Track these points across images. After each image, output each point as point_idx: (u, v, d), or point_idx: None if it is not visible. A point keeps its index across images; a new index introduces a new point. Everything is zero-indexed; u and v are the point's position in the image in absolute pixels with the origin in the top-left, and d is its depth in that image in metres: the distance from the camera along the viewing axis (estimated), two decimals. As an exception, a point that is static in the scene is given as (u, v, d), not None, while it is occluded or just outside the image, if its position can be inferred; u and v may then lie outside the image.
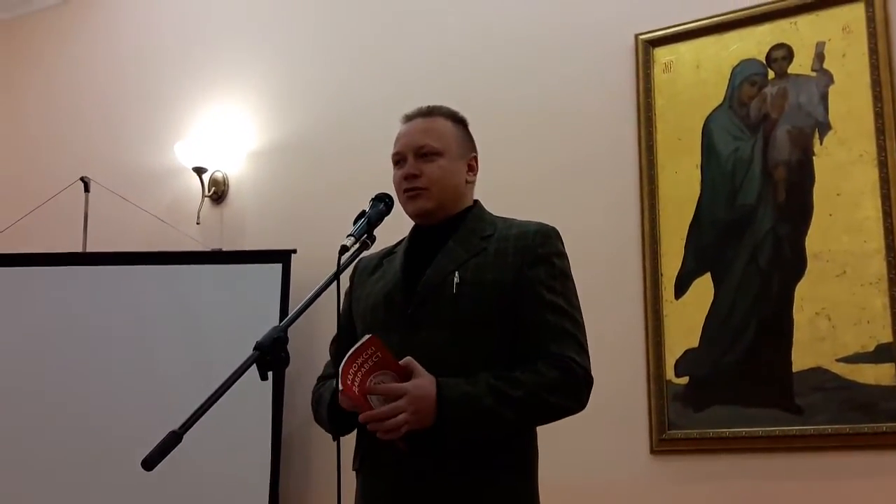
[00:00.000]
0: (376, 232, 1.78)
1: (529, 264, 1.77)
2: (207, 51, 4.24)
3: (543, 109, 3.39)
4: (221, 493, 3.45)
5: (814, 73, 2.98)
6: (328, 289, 1.67)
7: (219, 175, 4.07)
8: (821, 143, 2.93)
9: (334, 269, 1.66)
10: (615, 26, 3.29)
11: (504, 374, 1.69)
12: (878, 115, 2.85)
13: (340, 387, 1.59)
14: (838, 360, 2.79)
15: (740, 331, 2.95)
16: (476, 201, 1.93)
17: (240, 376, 1.48)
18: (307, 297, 1.65)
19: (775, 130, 3.00)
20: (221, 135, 4.08)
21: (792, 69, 3.02)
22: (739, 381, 2.92)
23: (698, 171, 3.10)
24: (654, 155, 3.16)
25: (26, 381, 3.64)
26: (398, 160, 1.88)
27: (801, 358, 2.84)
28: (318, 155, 3.88)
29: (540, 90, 3.41)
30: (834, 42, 2.96)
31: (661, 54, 3.22)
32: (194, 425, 1.43)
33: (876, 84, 2.86)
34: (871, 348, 2.76)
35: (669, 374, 3.02)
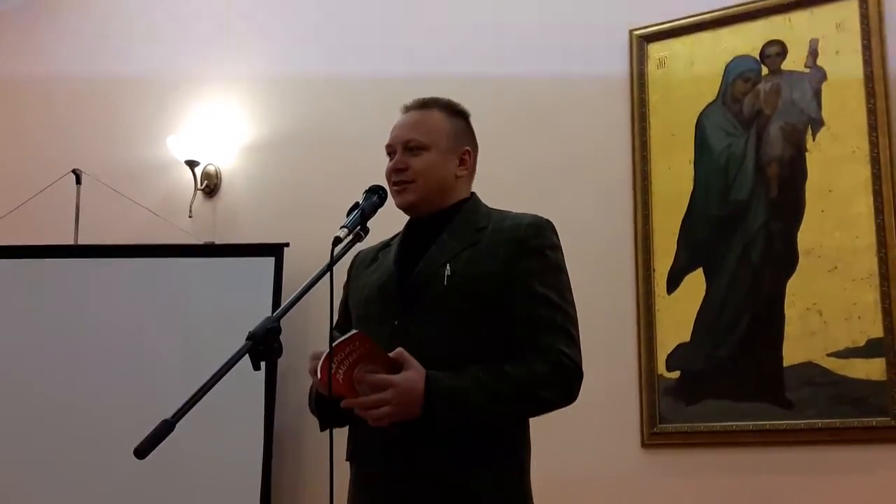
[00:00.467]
0: (371, 224, 1.78)
1: (521, 257, 1.77)
2: (200, 44, 4.22)
3: (537, 104, 3.40)
4: (214, 483, 3.45)
5: (807, 70, 2.99)
6: (321, 284, 1.66)
7: (211, 168, 4.07)
8: (814, 140, 2.94)
9: (327, 262, 1.66)
10: (609, 22, 3.29)
11: (493, 367, 1.69)
12: (871, 112, 2.86)
13: (318, 375, 1.60)
14: (829, 355, 2.81)
15: (732, 326, 2.96)
16: (473, 194, 1.93)
17: (233, 366, 1.48)
18: (300, 288, 1.65)
19: (768, 126, 3.01)
20: (214, 128, 4.07)
21: (785, 65, 3.02)
22: (731, 375, 2.93)
23: (691, 167, 3.10)
24: (647, 150, 3.17)
25: (18, 374, 3.63)
26: (389, 152, 1.89)
27: (792, 353, 2.85)
28: (310, 149, 3.87)
29: (533, 85, 3.41)
30: (827, 39, 2.97)
31: (655, 50, 3.22)
32: (186, 415, 1.42)
33: (869, 80, 2.87)
34: (862, 343, 2.77)
35: (661, 368, 3.03)
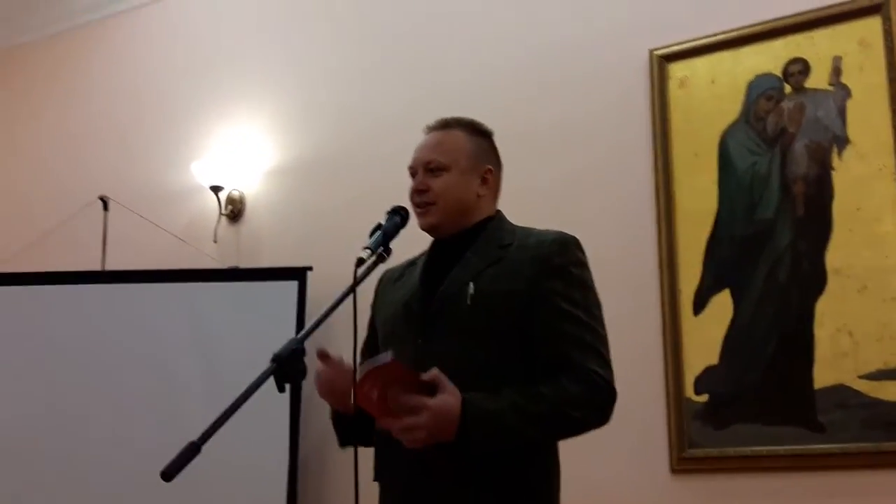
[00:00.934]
0: (397, 243, 1.78)
1: (546, 275, 1.76)
2: (224, 70, 4.27)
3: (558, 125, 3.39)
4: (239, 505, 3.45)
5: (831, 87, 2.96)
6: (345, 305, 1.66)
7: (235, 193, 4.10)
8: (839, 158, 2.91)
9: (350, 283, 1.65)
10: (629, 42, 3.29)
11: (527, 389, 1.68)
12: (897, 129, 2.83)
13: (355, 397, 1.59)
14: (860, 377, 2.76)
15: (761, 347, 2.92)
16: (498, 212, 1.93)
17: (258, 387, 1.47)
18: (324, 310, 1.64)
19: (793, 145, 2.99)
20: (238, 154, 4.10)
21: (809, 83, 3.00)
22: (760, 398, 2.88)
23: (715, 187, 3.08)
24: (670, 171, 3.15)
25: (45, 398, 3.66)
26: (412, 173, 1.90)
27: (823, 375, 2.80)
28: (333, 173, 3.89)
29: (555, 105, 3.41)
30: (851, 56, 2.95)
31: (676, 69, 3.21)
32: (211, 438, 1.42)
33: (894, 97, 2.84)
34: (894, 365, 2.72)
35: (689, 391, 2.99)
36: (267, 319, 3.60)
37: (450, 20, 3.75)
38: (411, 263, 1.95)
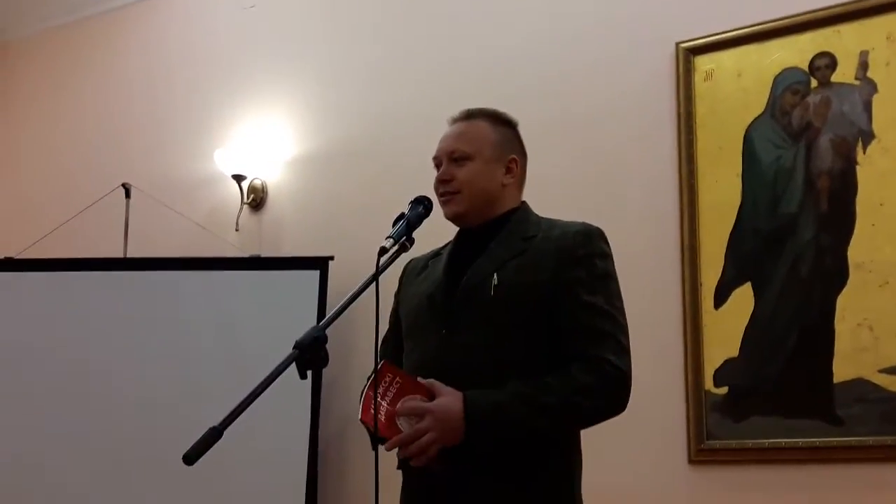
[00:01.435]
0: (422, 234, 1.78)
1: (569, 266, 1.76)
2: (248, 60, 4.29)
3: (583, 117, 3.38)
4: (259, 490, 3.47)
5: (857, 82, 2.94)
6: (367, 295, 1.66)
7: (257, 182, 4.12)
8: (864, 152, 2.89)
9: (373, 272, 1.66)
10: (656, 35, 3.28)
11: (534, 380, 1.68)
12: (924, 124, 2.80)
13: (360, 416, 1.62)
14: (880, 372, 2.75)
15: (781, 341, 2.91)
16: (523, 202, 1.93)
17: (280, 374, 1.49)
18: (346, 298, 1.65)
19: (818, 139, 2.97)
20: (260, 143, 4.12)
21: (835, 77, 2.98)
22: (780, 391, 2.88)
23: (739, 180, 3.06)
24: (694, 163, 3.14)
25: (66, 384, 3.70)
26: (437, 164, 1.90)
27: (843, 369, 2.80)
28: (356, 162, 3.90)
29: (580, 98, 3.40)
30: (878, 51, 2.92)
31: (702, 62, 3.19)
32: (233, 423, 1.44)
33: (921, 92, 2.82)
34: (915, 360, 2.71)
35: (708, 383, 2.99)
36: (288, 309, 3.62)
37: (474, 9, 3.75)
38: (436, 254, 1.96)
